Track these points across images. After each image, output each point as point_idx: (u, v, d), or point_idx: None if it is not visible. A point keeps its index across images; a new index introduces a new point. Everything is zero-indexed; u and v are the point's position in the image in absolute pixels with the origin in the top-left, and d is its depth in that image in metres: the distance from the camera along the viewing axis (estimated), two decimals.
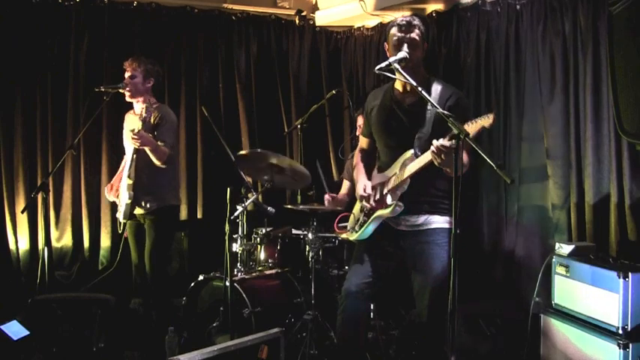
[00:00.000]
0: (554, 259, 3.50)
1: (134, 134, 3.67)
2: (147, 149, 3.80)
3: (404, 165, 2.86)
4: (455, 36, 4.82)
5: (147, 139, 3.75)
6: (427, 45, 3.01)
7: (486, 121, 2.45)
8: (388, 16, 5.39)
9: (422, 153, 2.78)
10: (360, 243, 3.13)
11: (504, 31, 4.47)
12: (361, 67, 5.74)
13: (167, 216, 4.06)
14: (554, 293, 3.49)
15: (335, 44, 5.94)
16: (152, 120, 3.93)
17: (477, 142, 2.44)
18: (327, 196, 4.11)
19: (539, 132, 4.27)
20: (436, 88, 2.94)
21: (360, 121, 4.50)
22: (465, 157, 2.76)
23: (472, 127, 2.47)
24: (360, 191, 3.06)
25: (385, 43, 3.01)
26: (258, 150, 3.99)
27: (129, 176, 3.89)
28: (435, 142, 2.55)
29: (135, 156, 3.86)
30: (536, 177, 4.34)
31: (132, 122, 4.06)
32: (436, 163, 2.60)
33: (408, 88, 2.92)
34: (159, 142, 3.86)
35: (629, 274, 3.00)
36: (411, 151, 2.86)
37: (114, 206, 4.47)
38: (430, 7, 5.01)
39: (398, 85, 3.04)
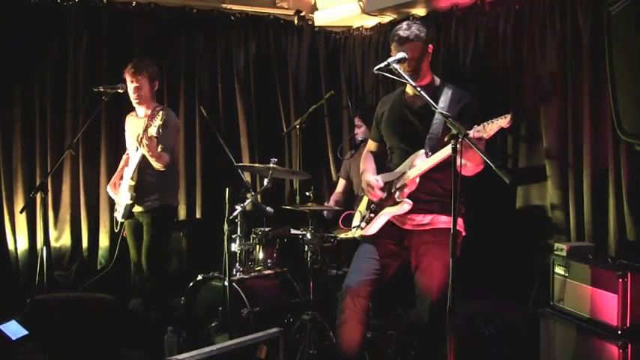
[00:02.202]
0: (553, 260, 3.50)
1: (147, 138, 3.67)
2: (148, 155, 3.81)
3: (414, 164, 2.88)
4: (454, 36, 4.82)
5: (152, 143, 3.75)
6: (433, 47, 3.01)
7: (504, 121, 2.47)
8: (387, 17, 5.39)
9: (432, 153, 2.80)
10: (364, 240, 3.14)
11: (503, 30, 4.47)
12: (360, 67, 5.75)
13: (165, 215, 4.09)
14: (553, 293, 3.49)
15: (334, 44, 5.94)
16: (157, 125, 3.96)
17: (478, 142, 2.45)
18: (333, 198, 4.11)
19: (538, 132, 4.27)
20: (446, 92, 2.96)
21: (357, 121, 4.52)
22: (478, 157, 2.76)
23: (489, 128, 2.48)
24: (372, 182, 3.06)
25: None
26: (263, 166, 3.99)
27: (131, 178, 3.91)
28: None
29: (139, 158, 3.87)
30: (535, 177, 4.34)
31: (135, 125, 4.08)
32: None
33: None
34: (160, 146, 3.87)
35: (628, 274, 3.00)
36: (422, 151, 2.88)
37: (112, 206, 4.48)
38: (429, 7, 5.00)
39: (408, 89, 3.06)
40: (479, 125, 2.53)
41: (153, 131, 3.66)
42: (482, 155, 2.38)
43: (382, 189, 3.03)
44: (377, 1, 5.14)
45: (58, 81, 5.03)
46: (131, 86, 3.98)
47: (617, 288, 3.02)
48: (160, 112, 3.68)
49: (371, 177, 3.11)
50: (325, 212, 4.44)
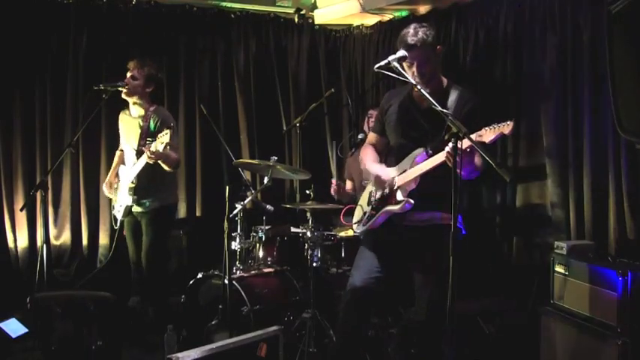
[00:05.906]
0: (553, 258, 3.50)
1: (151, 154, 3.67)
2: (159, 161, 3.81)
3: (415, 162, 2.88)
4: (454, 34, 4.82)
5: (159, 154, 3.74)
6: (440, 48, 2.97)
7: (505, 128, 2.47)
8: (387, 15, 5.39)
9: (434, 153, 2.80)
10: (365, 238, 3.15)
11: (503, 29, 4.47)
12: (360, 65, 5.75)
13: (165, 214, 4.09)
14: (553, 292, 3.49)
15: (334, 43, 5.95)
16: (152, 126, 3.95)
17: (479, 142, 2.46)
18: (334, 183, 4.01)
19: (538, 130, 4.27)
20: (454, 93, 2.95)
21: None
22: (478, 159, 2.78)
23: (490, 133, 2.48)
24: (379, 173, 3.04)
25: None
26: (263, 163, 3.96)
27: (132, 181, 3.91)
28: (450, 144, 2.55)
29: (142, 165, 3.86)
30: (535, 175, 4.34)
31: (128, 125, 4.07)
32: (449, 164, 2.60)
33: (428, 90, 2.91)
34: (167, 148, 3.86)
35: (628, 272, 3.00)
36: (422, 149, 2.88)
37: (112, 204, 4.48)
38: (429, 5, 5.00)
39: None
40: (480, 130, 2.54)
41: (160, 148, 3.65)
42: (482, 153, 2.38)
43: (384, 187, 3.02)
44: (376, 0, 5.14)
45: (58, 79, 5.03)
46: (128, 75, 3.99)
47: (616, 286, 3.02)
48: (167, 131, 3.62)
49: (376, 167, 3.09)
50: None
